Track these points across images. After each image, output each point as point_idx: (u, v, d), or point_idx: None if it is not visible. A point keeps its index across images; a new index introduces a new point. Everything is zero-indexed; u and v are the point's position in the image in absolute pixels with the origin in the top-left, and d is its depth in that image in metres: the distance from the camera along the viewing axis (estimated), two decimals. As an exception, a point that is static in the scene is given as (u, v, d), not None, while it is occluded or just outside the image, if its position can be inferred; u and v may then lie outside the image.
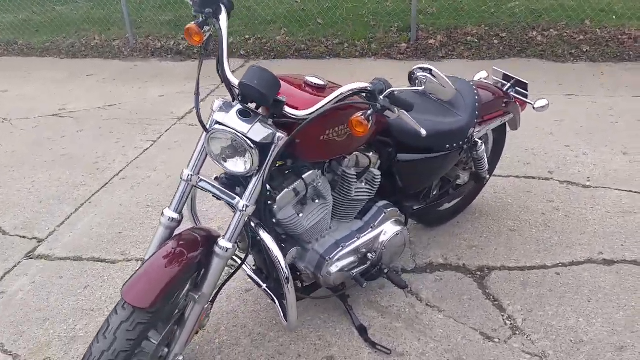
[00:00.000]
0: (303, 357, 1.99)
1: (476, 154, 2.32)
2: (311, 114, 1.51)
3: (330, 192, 1.84)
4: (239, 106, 1.53)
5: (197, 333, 1.89)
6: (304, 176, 1.71)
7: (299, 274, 1.99)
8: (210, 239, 1.60)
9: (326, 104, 1.52)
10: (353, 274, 1.99)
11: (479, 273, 2.38)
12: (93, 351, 1.38)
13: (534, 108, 2.42)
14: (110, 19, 6.94)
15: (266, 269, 1.89)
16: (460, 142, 2.16)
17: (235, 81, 1.59)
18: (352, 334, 2.08)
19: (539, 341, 2.00)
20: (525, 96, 2.46)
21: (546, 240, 2.55)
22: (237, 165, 1.54)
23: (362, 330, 2.07)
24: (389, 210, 2.06)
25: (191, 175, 1.65)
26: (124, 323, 1.38)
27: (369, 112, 1.49)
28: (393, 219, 2.07)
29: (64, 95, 5.05)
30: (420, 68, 1.53)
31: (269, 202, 1.69)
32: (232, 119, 1.50)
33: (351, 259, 1.97)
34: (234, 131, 1.49)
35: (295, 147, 1.62)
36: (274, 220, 1.73)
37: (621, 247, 2.48)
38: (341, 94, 1.53)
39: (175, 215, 1.65)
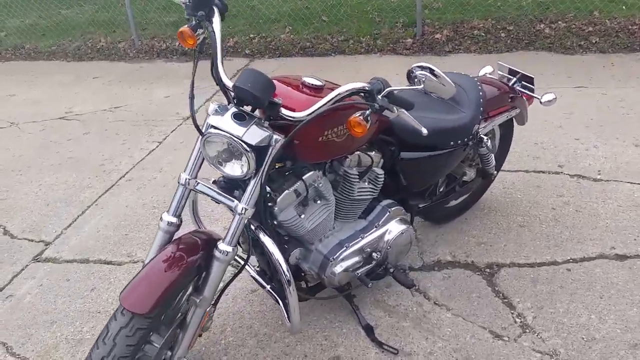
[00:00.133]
0: (309, 358, 1.97)
1: (482, 151, 2.28)
2: (308, 115, 1.49)
3: (332, 193, 1.81)
4: (234, 109, 1.51)
5: (200, 336, 1.87)
6: (304, 177, 1.69)
7: (303, 274, 1.97)
8: (210, 243, 1.58)
9: (323, 105, 1.49)
10: (358, 274, 1.96)
11: (487, 270, 2.34)
12: (93, 357, 1.37)
13: (540, 102, 2.38)
14: (115, 21, 6.96)
15: (269, 271, 1.87)
16: (465, 139, 2.12)
17: (230, 84, 1.57)
18: (358, 333, 2.05)
19: (549, 339, 1.96)
20: (532, 90, 2.41)
21: (556, 236, 2.50)
22: (234, 169, 1.52)
23: (369, 330, 2.04)
24: (393, 209, 2.03)
25: (188, 179, 1.63)
26: (123, 329, 1.37)
27: (368, 112, 1.46)
28: (398, 218, 2.04)
29: (70, 98, 5.07)
30: (419, 66, 1.50)
31: (270, 204, 1.67)
32: (226, 122, 1.48)
33: (356, 258, 1.95)
34: (228, 135, 1.47)
35: (294, 148, 1.59)
36: (275, 222, 1.71)
37: (634, 241, 2.43)
38: (339, 94, 1.51)
39: (174, 220, 1.63)
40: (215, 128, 1.50)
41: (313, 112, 1.49)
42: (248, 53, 5.87)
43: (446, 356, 1.93)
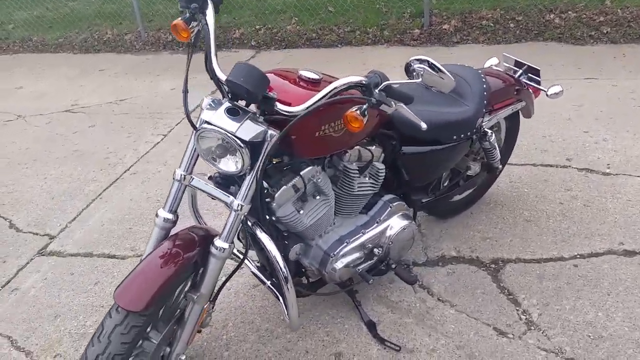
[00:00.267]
0: (311, 354, 1.96)
1: (486, 144, 2.24)
2: (302, 110, 1.46)
3: (331, 188, 1.79)
4: (227, 104, 1.48)
5: (199, 332, 1.87)
6: (302, 173, 1.66)
7: (304, 270, 1.95)
8: (207, 239, 1.56)
9: (319, 99, 1.46)
10: (359, 270, 1.94)
11: (493, 266, 2.31)
12: (88, 355, 1.36)
13: (547, 95, 2.32)
14: (121, 13, 6.94)
15: (269, 266, 1.85)
16: (468, 133, 2.08)
17: (224, 78, 1.54)
18: (360, 329, 2.04)
19: (555, 337, 1.93)
20: (538, 83, 2.36)
21: (564, 231, 2.46)
22: (229, 165, 1.50)
23: (371, 326, 2.03)
24: (395, 204, 2.00)
25: (184, 174, 1.61)
26: (118, 326, 1.36)
27: (364, 106, 1.43)
28: (400, 213, 2.02)
29: (76, 90, 5.07)
30: (418, 59, 1.46)
31: (268, 200, 1.65)
32: (220, 117, 1.46)
33: (356, 254, 1.92)
34: (221, 130, 1.44)
35: (291, 143, 1.57)
36: (273, 218, 1.69)
37: (643, 237, 2.38)
38: (335, 88, 1.47)
39: (170, 216, 1.62)
40: (209, 123, 1.48)
41: (308, 106, 1.46)
42: (254, 44, 5.83)
43: (449, 353, 1.90)
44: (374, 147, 1.87)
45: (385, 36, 5.50)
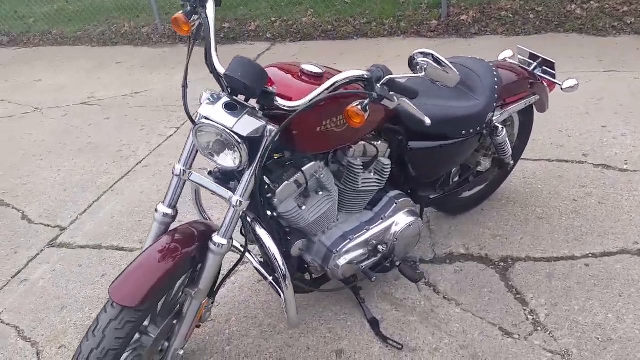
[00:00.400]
0: (312, 350, 1.94)
1: (497, 140, 2.18)
2: (301, 105, 1.43)
3: (334, 184, 1.75)
4: (226, 99, 1.46)
5: (198, 327, 1.86)
6: (304, 168, 1.63)
7: (307, 266, 1.93)
8: (207, 234, 1.55)
9: (318, 94, 1.43)
10: (362, 266, 1.91)
11: (502, 264, 2.25)
12: (82, 349, 1.36)
13: (562, 89, 2.25)
14: (139, 5, 6.98)
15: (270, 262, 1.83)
16: (478, 128, 2.02)
17: (223, 72, 1.52)
18: (363, 327, 2.01)
19: (562, 338, 1.87)
20: (553, 76, 2.29)
21: (576, 229, 2.39)
22: (227, 161, 1.48)
23: (374, 324, 2.00)
24: (400, 200, 1.96)
25: (183, 169, 1.60)
26: (113, 321, 1.36)
27: (366, 101, 1.39)
28: (406, 210, 1.98)
29: (93, 83, 5.13)
30: (421, 53, 1.41)
31: (269, 195, 1.63)
32: (217, 112, 1.43)
33: (360, 251, 1.89)
34: (219, 126, 1.42)
35: (292, 139, 1.54)
36: (274, 214, 1.67)
37: (660, 236, 2.30)
38: (336, 82, 1.44)
39: (169, 211, 1.61)
40: (207, 118, 1.46)
41: (307, 101, 1.43)
42: (269, 37, 5.80)
43: (452, 353, 1.87)
44: (380, 142, 1.83)
45: (401, 27, 5.42)
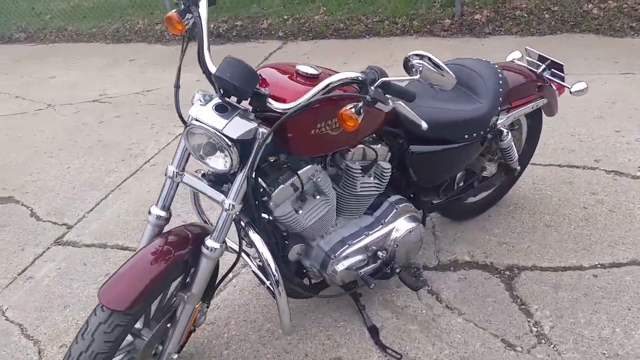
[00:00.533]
0: (310, 357, 1.92)
1: (502, 144, 2.13)
2: (292, 107, 1.40)
3: (331, 188, 1.73)
4: (217, 100, 1.44)
5: (193, 331, 1.85)
6: (300, 172, 1.60)
7: (305, 271, 1.91)
8: (201, 237, 1.53)
9: (311, 96, 1.40)
10: (361, 272, 1.88)
11: (507, 273, 2.20)
12: (72, 352, 1.36)
13: (570, 92, 2.19)
14: (153, 2, 7.00)
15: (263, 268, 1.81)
16: (481, 132, 1.97)
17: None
18: (362, 334, 1.98)
19: (566, 352, 1.82)
20: (562, 78, 2.22)
21: (585, 238, 2.32)
22: (218, 163, 1.46)
23: (374, 332, 1.97)
24: (401, 205, 1.92)
25: (175, 171, 1.59)
26: (102, 325, 1.35)
27: (360, 104, 1.36)
28: (407, 215, 1.94)
29: (105, 80, 5.16)
30: (417, 55, 1.38)
31: (265, 199, 1.61)
32: (208, 114, 1.41)
33: (359, 257, 1.86)
34: (209, 127, 1.40)
35: (287, 141, 1.51)
36: (270, 218, 1.64)
37: (673, 247, 2.23)
38: (329, 84, 1.41)
39: (162, 213, 1.60)
40: (197, 120, 1.44)
41: (298, 104, 1.41)
42: (281, 35, 5.78)
43: (452, 364, 1.83)
44: (380, 145, 1.80)
45: (414, 26, 5.36)
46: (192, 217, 2.65)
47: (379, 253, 1.90)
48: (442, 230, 2.50)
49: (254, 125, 1.42)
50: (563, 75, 2.23)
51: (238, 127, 1.40)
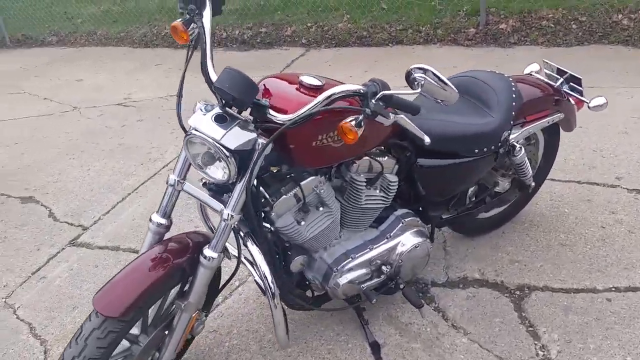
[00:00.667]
0: (309, 371, 1.90)
1: (515, 160, 2.07)
2: (291, 118, 1.40)
3: (335, 200, 1.71)
4: (217, 110, 1.44)
5: (191, 339, 1.85)
6: (302, 183, 1.59)
7: (307, 283, 1.89)
8: (202, 245, 1.53)
9: (310, 108, 1.40)
10: (364, 287, 1.85)
11: (517, 292, 2.14)
12: (65, 356, 1.38)
13: (589, 107, 2.11)
14: (181, 8, 7.12)
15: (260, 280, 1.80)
16: (492, 146, 1.92)
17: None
18: (364, 350, 1.95)
19: (573, 379, 1.76)
20: (580, 93, 2.15)
21: (601, 259, 2.24)
22: (217, 173, 1.46)
23: (375, 348, 1.93)
24: (408, 219, 1.89)
25: (177, 180, 1.60)
26: (96, 330, 1.36)
27: (360, 117, 1.35)
28: (414, 230, 1.90)
29: (131, 84, 5.26)
30: (419, 68, 1.35)
31: (267, 209, 1.60)
32: (206, 123, 1.41)
33: (362, 270, 1.84)
34: (207, 137, 1.40)
35: (289, 152, 1.51)
36: (272, 228, 1.64)
37: (694, 272, 2.12)
38: (329, 96, 1.40)
39: (163, 221, 1.61)
40: (196, 129, 1.44)
41: (297, 115, 1.40)
42: (304, 42, 5.80)
43: (453, 385, 1.78)
44: (386, 158, 1.77)
45: (438, 35, 5.30)
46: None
47: (383, 267, 1.87)
48: (453, 246, 2.44)
49: (253, 135, 1.42)
50: (581, 89, 2.16)
51: (236, 137, 1.40)
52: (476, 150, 1.90)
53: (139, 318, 1.49)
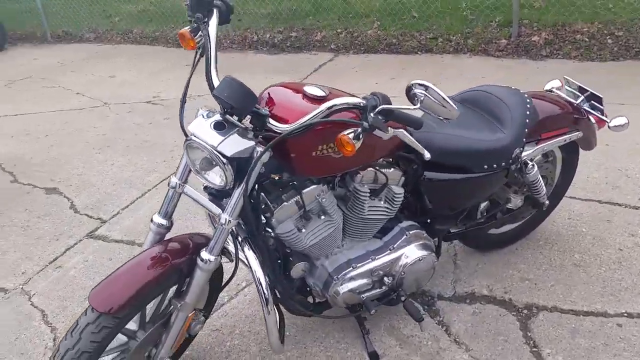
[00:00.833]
0: (306, 377, 1.90)
1: (528, 177, 2.02)
2: (289, 128, 1.41)
3: (337, 209, 1.70)
4: (217, 117, 1.46)
5: (189, 338, 1.87)
6: (303, 191, 1.60)
7: (309, 289, 1.89)
8: (201, 247, 1.55)
9: (308, 119, 1.40)
10: (364, 297, 1.84)
11: (525, 311, 2.09)
12: (60, 348, 1.42)
13: (609, 127, 2.05)
14: (215, 10, 7.24)
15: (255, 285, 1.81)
16: (502, 163, 1.88)
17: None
18: (362, 359, 1.94)
19: (574, 405, 1.70)
20: (601, 112, 2.09)
21: (615, 282, 2.16)
22: (215, 178, 1.48)
23: (374, 358, 1.92)
24: (412, 232, 1.87)
25: (178, 183, 1.63)
26: (90, 325, 1.40)
27: (359, 130, 1.34)
28: (419, 242, 1.88)
29: (160, 83, 5.38)
30: (420, 84, 1.34)
31: (268, 215, 1.61)
32: (205, 130, 1.44)
33: (364, 280, 1.82)
34: (204, 144, 1.42)
35: (290, 161, 1.52)
36: (273, 234, 1.65)
37: None
38: (329, 108, 1.40)
39: (164, 222, 1.64)
40: (194, 136, 1.47)
41: (295, 126, 1.41)
42: (333, 48, 5.82)
43: (450, 402, 1.75)
44: (392, 169, 1.76)
45: (468, 45, 5.24)
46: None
47: (385, 279, 1.85)
48: (463, 260, 2.40)
49: (251, 144, 1.44)
50: (602, 108, 2.10)
51: (234, 144, 1.42)
52: (485, 166, 1.87)
53: (134, 315, 1.52)
